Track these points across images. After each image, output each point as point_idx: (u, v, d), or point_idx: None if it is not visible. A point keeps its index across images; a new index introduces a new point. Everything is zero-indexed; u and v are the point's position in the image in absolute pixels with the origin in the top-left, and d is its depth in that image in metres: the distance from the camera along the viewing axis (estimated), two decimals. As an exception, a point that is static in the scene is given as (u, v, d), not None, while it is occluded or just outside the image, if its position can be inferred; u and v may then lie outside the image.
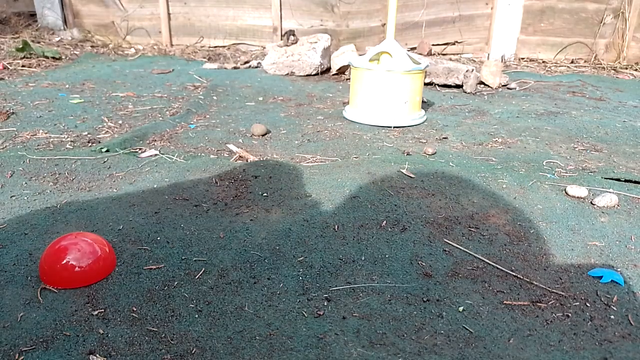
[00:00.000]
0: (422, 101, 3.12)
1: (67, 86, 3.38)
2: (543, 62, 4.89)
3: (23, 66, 3.97)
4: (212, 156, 2.11)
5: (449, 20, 4.97)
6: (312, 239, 1.45)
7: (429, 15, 4.96)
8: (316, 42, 4.19)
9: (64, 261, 1.19)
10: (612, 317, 1.14)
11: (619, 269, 1.33)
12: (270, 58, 4.21)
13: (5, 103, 2.86)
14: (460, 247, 1.43)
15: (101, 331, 1.06)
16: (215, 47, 5.30)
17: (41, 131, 2.39)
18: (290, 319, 1.12)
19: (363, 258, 1.37)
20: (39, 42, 4.87)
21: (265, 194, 1.74)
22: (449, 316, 1.14)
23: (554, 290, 1.24)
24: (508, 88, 3.80)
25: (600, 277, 1.29)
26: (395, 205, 1.67)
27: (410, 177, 1.91)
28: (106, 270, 1.25)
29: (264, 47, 4.94)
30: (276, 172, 1.91)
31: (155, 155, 2.09)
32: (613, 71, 4.59)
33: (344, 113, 2.87)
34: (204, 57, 4.89)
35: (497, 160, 2.17)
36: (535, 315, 1.15)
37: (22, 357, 0.98)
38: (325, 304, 1.17)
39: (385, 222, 1.56)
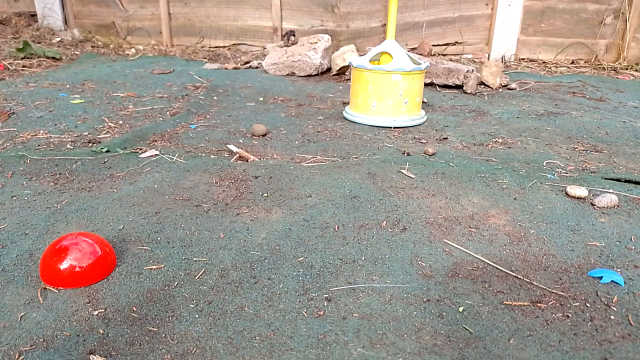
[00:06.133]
0: (423, 102, 3.13)
1: (67, 86, 3.39)
2: (543, 62, 4.90)
3: (24, 66, 3.97)
4: (212, 156, 2.11)
5: (449, 20, 4.97)
6: (312, 239, 1.45)
7: (429, 16, 4.96)
8: (316, 43, 4.19)
9: (65, 261, 1.19)
10: (612, 317, 1.14)
11: (619, 270, 1.33)
12: (270, 58, 4.21)
13: (5, 103, 2.86)
14: (460, 247, 1.43)
15: (101, 331, 1.06)
16: (216, 47, 5.31)
17: (42, 131, 2.39)
18: (290, 319, 1.12)
19: (363, 258, 1.37)
20: (39, 43, 4.87)
21: (265, 194, 1.74)
22: (449, 316, 1.14)
23: (554, 291, 1.24)
24: (508, 88, 3.80)
25: (601, 278, 1.29)
26: (395, 205, 1.68)
27: (411, 177, 1.91)
28: (106, 270, 1.25)
29: (265, 48, 4.95)
30: (276, 172, 1.91)
31: (156, 155, 2.09)
32: (613, 72, 4.59)
33: (344, 113, 2.87)
34: (205, 58, 4.89)
35: (497, 161, 2.17)
36: (535, 315, 1.15)
37: (22, 357, 0.98)
38: (326, 304, 1.17)
39: (385, 222, 1.56)
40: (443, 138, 2.51)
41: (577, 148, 2.39)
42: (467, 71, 3.61)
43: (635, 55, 4.76)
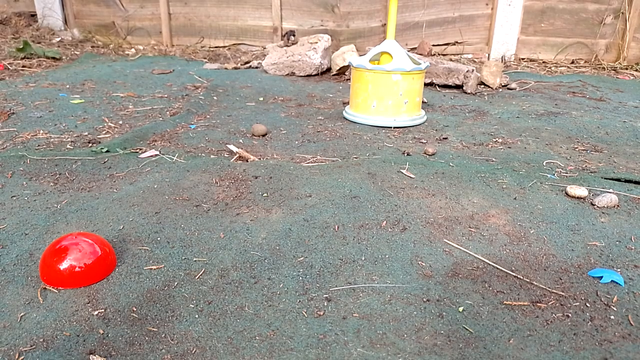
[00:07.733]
0: (423, 101, 3.13)
1: (67, 86, 3.39)
2: (543, 62, 4.89)
3: (24, 66, 3.97)
4: (212, 156, 2.11)
5: (449, 20, 4.97)
6: (312, 239, 1.45)
7: (429, 16, 4.96)
8: (317, 43, 4.19)
9: (64, 261, 1.19)
10: (612, 317, 1.14)
11: (619, 270, 1.33)
12: (270, 58, 4.21)
13: (5, 103, 2.86)
14: (460, 247, 1.43)
15: (101, 331, 1.06)
16: (216, 47, 5.31)
17: (41, 131, 2.39)
18: (290, 319, 1.12)
19: (363, 258, 1.37)
20: (39, 43, 4.87)
21: (265, 194, 1.74)
22: (449, 316, 1.14)
23: (554, 291, 1.24)
24: (508, 88, 3.80)
25: (601, 278, 1.29)
26: (395, 205, 1.68)
27: (410, 177, 1.91)
28: (106, 270, 1.25)
29: (265, 48, 4.95)
30: (276, 172, 1.91)
31: (156, 155, 2.09)
32: (613, 71, 4.59)
33: (344, 113, 2.87)
34: (205, 58, 4.89)
35: (497, 161, 2.17)
36: (535, 315, 1.15)
37: (22, 357, 0.98)
38: (326, 304, 1.17)
39: (385, 222, 1.56)
40: (443, 138, 2.51)
41: (577, 148, 2.39)
42: (467, 71, 3.61)
43: (635, 55, 4.76)
